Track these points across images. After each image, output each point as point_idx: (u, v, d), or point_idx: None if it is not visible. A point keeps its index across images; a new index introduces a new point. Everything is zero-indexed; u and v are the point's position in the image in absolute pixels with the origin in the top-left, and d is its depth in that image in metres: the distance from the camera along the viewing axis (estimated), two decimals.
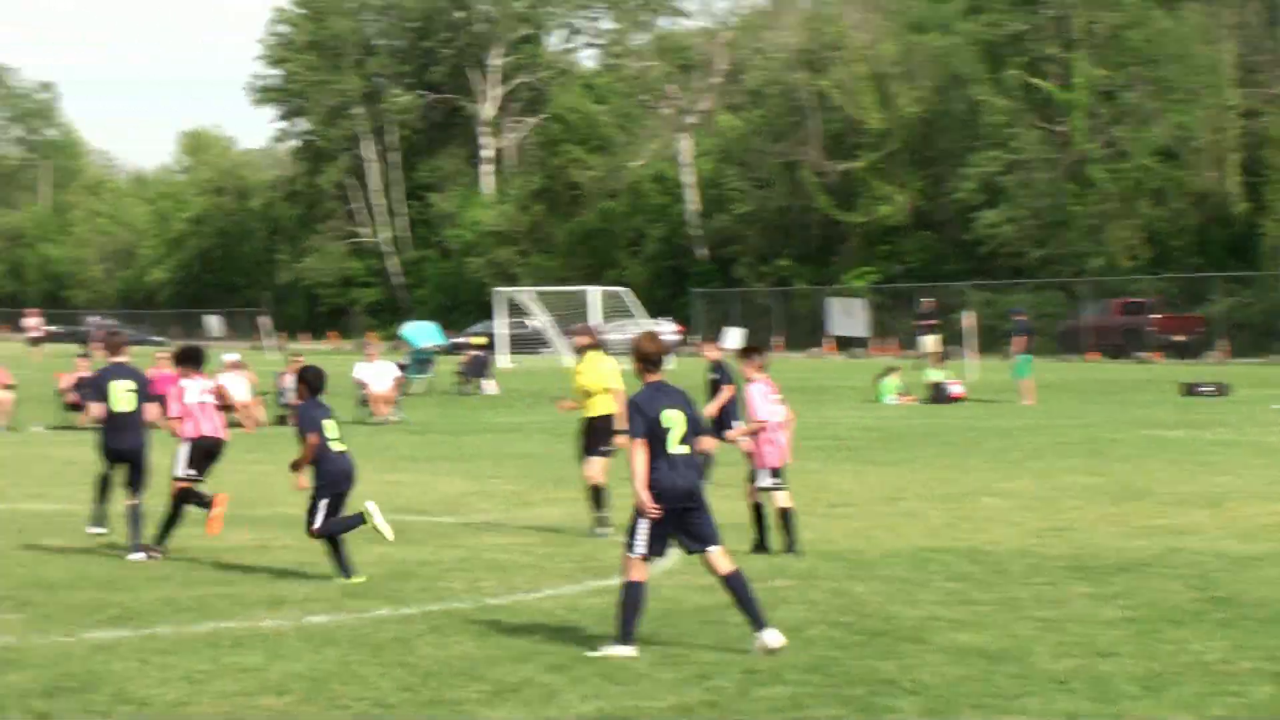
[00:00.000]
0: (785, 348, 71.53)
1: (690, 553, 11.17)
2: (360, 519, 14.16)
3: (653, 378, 10.94)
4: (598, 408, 16.70)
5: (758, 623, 10.86)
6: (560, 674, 10.43)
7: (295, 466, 14.22)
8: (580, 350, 17.40)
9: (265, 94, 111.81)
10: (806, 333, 72.95)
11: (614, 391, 16.51)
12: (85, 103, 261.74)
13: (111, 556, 15.51)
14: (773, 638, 10.82)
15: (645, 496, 10.65)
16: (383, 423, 33.78)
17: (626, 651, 10.77)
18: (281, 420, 33.61)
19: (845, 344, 70.20)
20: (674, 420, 10.77)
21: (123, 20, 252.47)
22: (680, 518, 10.81)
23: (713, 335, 21.31)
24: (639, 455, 10.66)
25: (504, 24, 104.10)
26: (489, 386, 44.71)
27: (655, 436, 10.70)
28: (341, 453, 14.17)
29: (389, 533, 14.38)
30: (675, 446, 10.76)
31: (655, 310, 71.23)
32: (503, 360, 57.51)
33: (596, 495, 16.77)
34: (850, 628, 11.89)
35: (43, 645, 11.35)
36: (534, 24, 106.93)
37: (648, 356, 10.93)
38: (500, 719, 9.49)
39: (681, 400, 10.92)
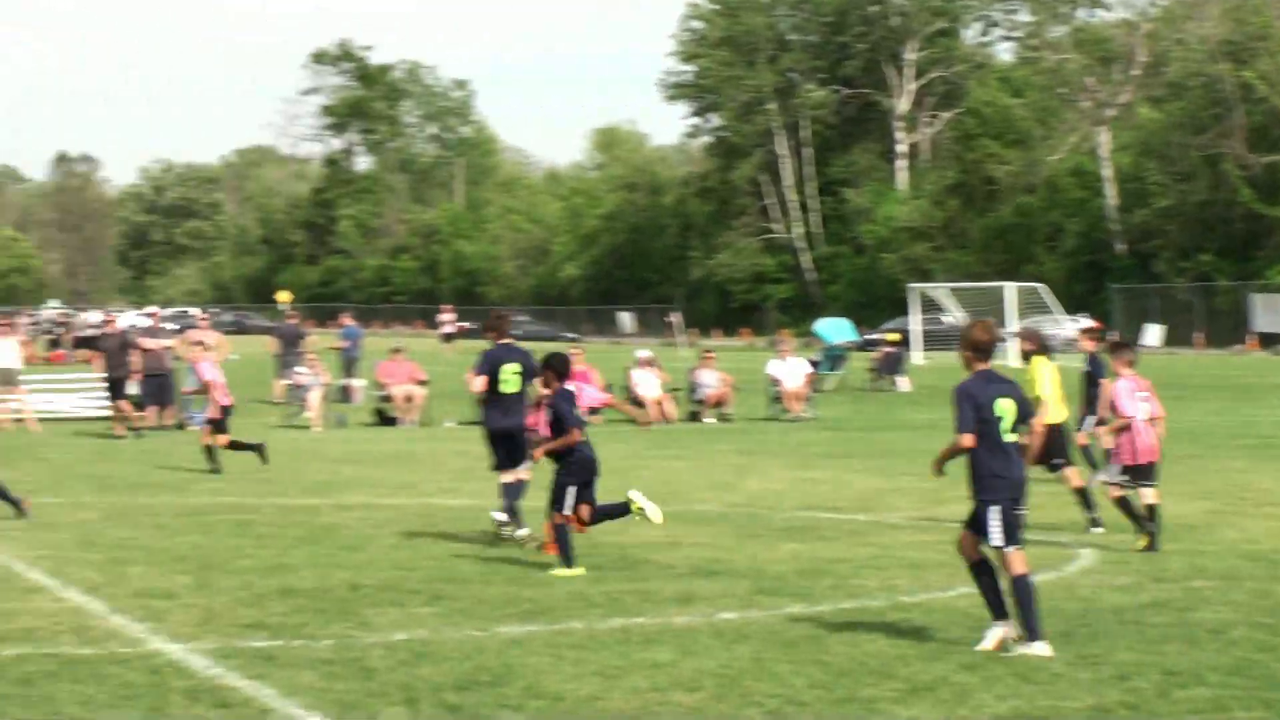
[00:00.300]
0: (1206, 344, 69.19)
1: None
2: (626, 508, 14.49)
3: (982, 366, 10.85)
4: (1048, 415, 16.17)
5: (1032, 633, 10.66)
6: (974, 673, 10.25)
7: (547, 452, 14.55)
8: (1025, 355, 16.90)
9: (678, 90, 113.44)
10: (1228, 329, 70.75)
11: (1043, 400, 15.92)
12: (499, 100, 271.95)
13: (516, 552, 15.69)
14: (1043, 649, 10.60)
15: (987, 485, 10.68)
16: (795, 420, 33.93)
17: (1041, 649, 10.59)
18: (694, 417, 34.24)
19: (1269, 341, 67.57)
20: (1005, 409, 10.70)
21: (537, 18, 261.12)
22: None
23: (1096, 328, 20.69)
24: (966, 444, 10.66)
25: (919, 18, 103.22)
26: (903, 383, 44.43)
27: (987, 425, 10.64)
28: (586, 441, 14.50)
29: (657, 516, 14.63)
30: (1007, 435, 10.72)
31: (1072, 307, 69.49)
32: (916, 357, 57.06)
33: (1083, 498, 16.42)
34: (1274, 630, 11.40)
35: (456, 639, 11.64)
36: (950, 17, 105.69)
37: (978, 345, 10.89)
38: (913, 717, 9.38)
39: (1011, 389, 10.84)
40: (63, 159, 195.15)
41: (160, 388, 31.95)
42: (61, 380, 38.44)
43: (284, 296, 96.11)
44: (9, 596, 13.30)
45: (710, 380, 34.75)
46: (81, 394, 35.97)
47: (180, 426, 32.05)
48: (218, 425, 23.82)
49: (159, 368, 31.83)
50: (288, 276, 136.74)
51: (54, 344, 70.07)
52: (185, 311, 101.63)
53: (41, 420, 32.66)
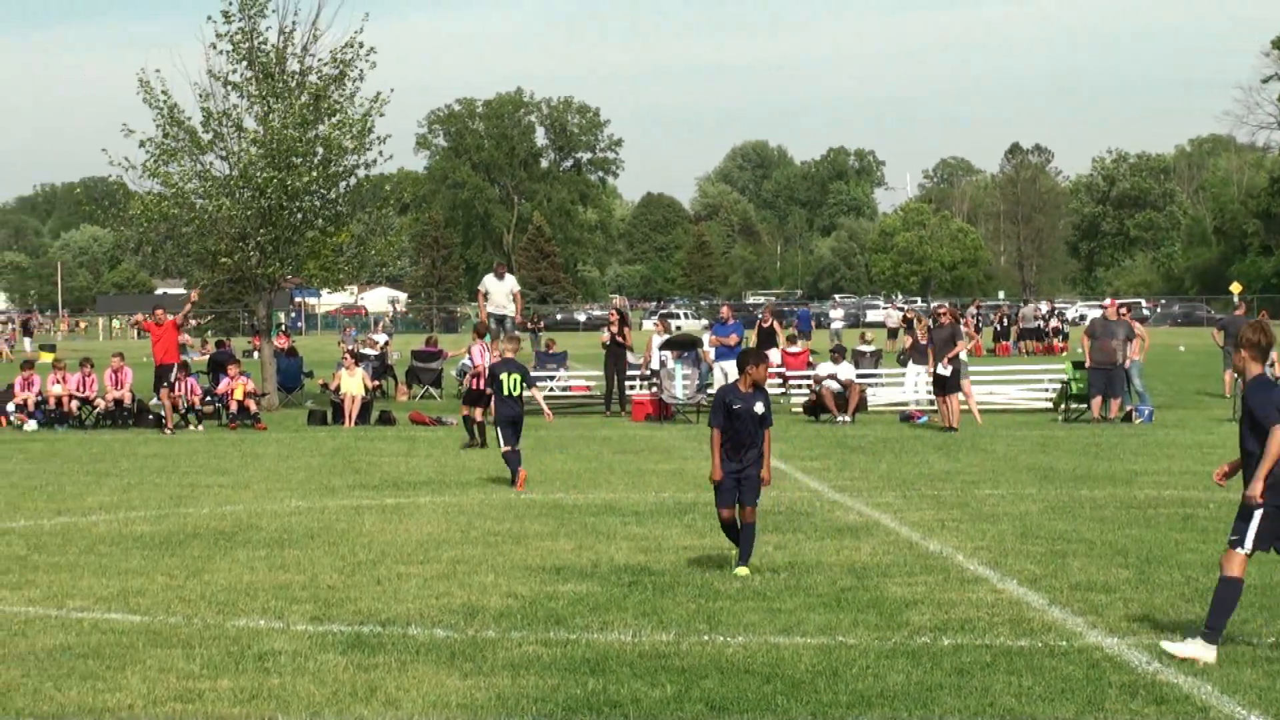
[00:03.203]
0: None
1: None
2: None
3: (1258, 369, 11.98)
4: None
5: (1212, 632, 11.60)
6: None
7: None
8: None
9: None
10: None
11: None
12: None
13: None
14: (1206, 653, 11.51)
15: (1258, 489, 11.68)
16: None
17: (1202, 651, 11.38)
18: None
19: None
20: None
21: None
22: None
23: None
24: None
25: None
26: None
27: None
28: None
29: None
30: None
31: None
32: None
33: None
34: None
35: None
36: None
37: (1256, 345, 11.98)
38: None
39: None
40: (1015, 150, 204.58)
41: (1110, 380, 33.82)
42: (1004, 371, 43.52)
43: (1236, 288, 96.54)
44: (949, 587, 14.76)
45: None
46: (1022, 385, 39.92)
47: (1126, 419, 34.25)
48: None
49: (1106, 361, 33.83)
50: (1241, 268, 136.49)
51: (1001, 335, 75.28)
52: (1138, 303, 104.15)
53: (984, 412, 35.14)
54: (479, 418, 30.02)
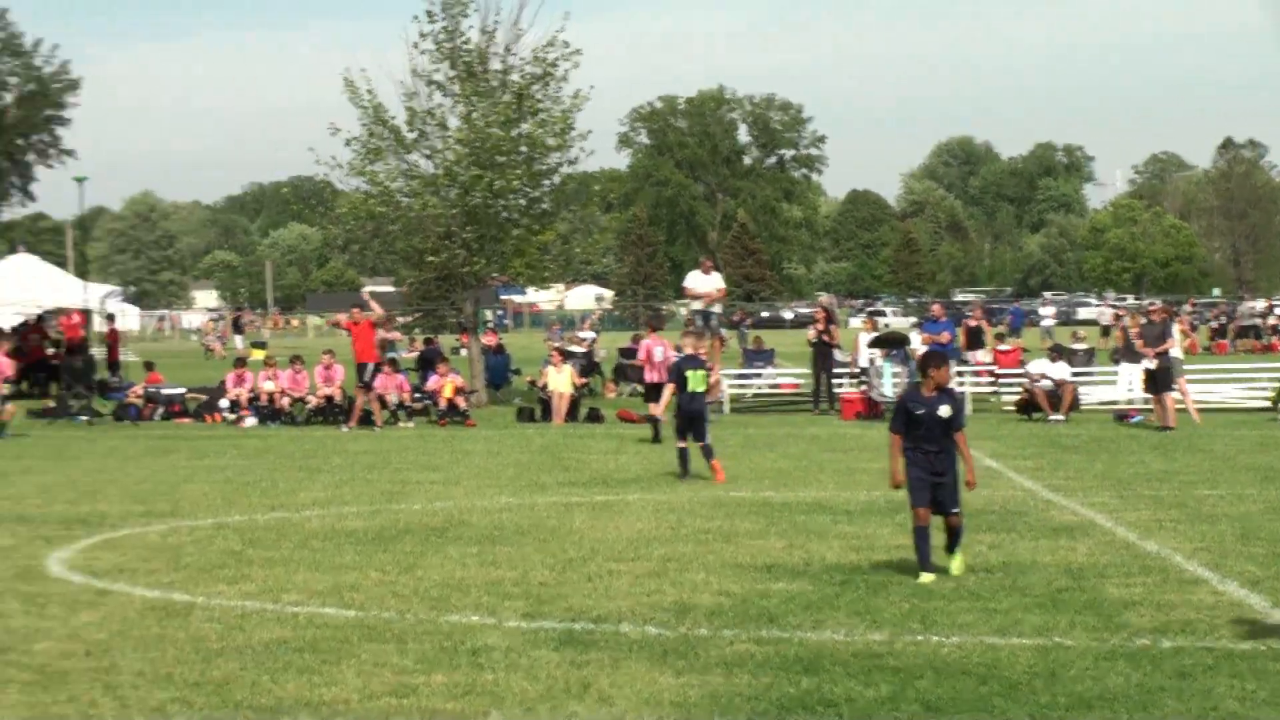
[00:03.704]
0: None
1: None
2: None
3: None
4: None
5: None
6: None
7: None
8: None
9: None
10: None
11: None
12: None
13: None
14: None
15: None
16: None
17: None
18: None
19: None
20: None
21: None
22: None
23: None
24: None
25: None
26: None
27: None
28: None
29: None
30: None
31: None
32: None
33: None
34: None
35: None
36: None
37: None
38: None
39: None
40: (1228, 145, 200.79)
41: None
42: (1222, 370, 42.49)
43: None
44: (1168, 588, 14.54)
45: None
46: (1240, 384, 39.17)
47: None
48: None
49: None
50: None
51: (1218, 334, 73.94)
52: None
53: (1202, 411, 34.58)
54: (656, 413, 30.41)
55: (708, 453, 24.14)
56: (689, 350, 25.12)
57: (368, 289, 43.99)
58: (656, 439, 30.58)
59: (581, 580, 15.22)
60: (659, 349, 34.69)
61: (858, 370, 39.33)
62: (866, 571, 15.54)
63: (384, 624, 13.15)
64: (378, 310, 38.36)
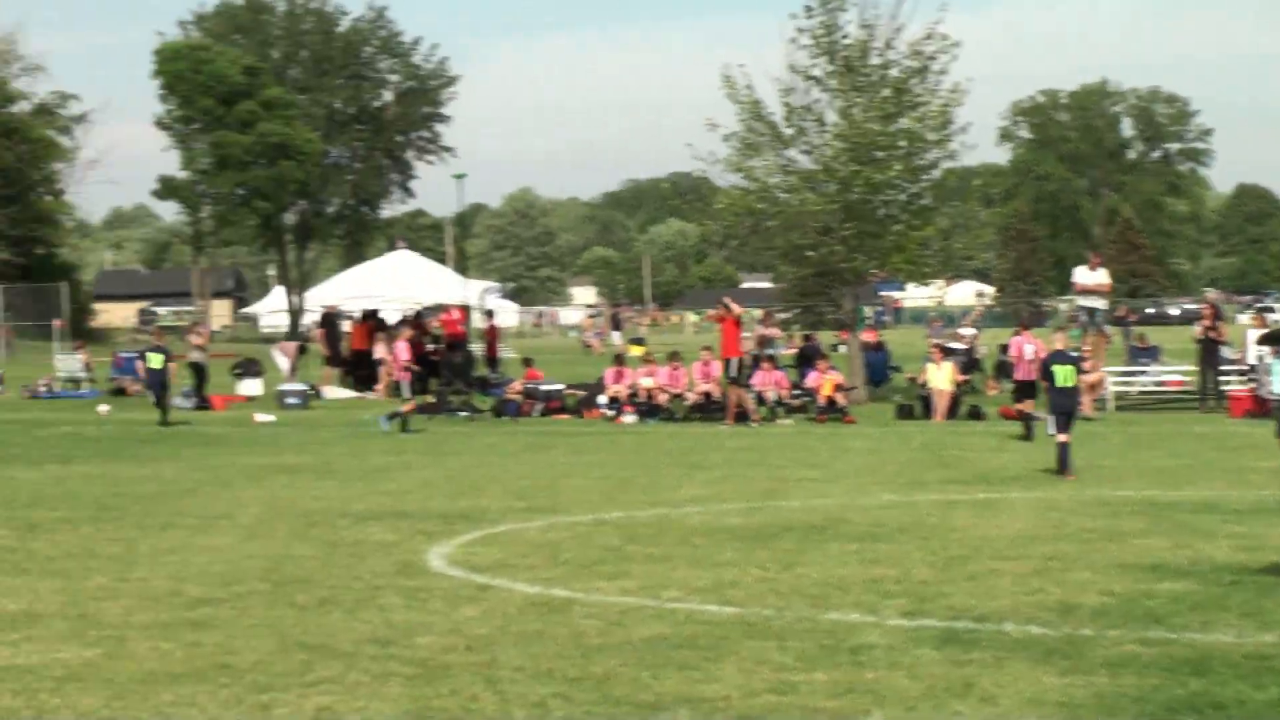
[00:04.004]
0: None
1: None
2: None
3: None
4: None
5: None
6: None
7: None
8: None
9: None
10: None
11: None
12: None
13: None
14: None
15: None
16: None
17: None
18: None
19: None
20: None
21: None
22: None
23: None
24: None
25: None
26: None
27: None
28: None
29: None
30: None
31: None
32: None
33: None
34: None
35: None
36: None
37: None
38: None
39: None
40: None
41: None
42: None
43: None
44: None
45: None
46: None
47: None
48: None
49: None
50: None
51: None
52: None
53: None
54: (1026, 408, 30.25)
55: (1068, 450, 24.14)
56: (1059, 345, 25.12)
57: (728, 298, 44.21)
58: (1028, 436, 30.33)
59: (963, 579, 15.04)
60: (1029, 346, 34.52)
61: (1246, 367, 38.33)
62: (1256, 572, 15.07)
63: (764, 621, 13.18)
64: (736, 309, 38.52)
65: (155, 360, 39.75)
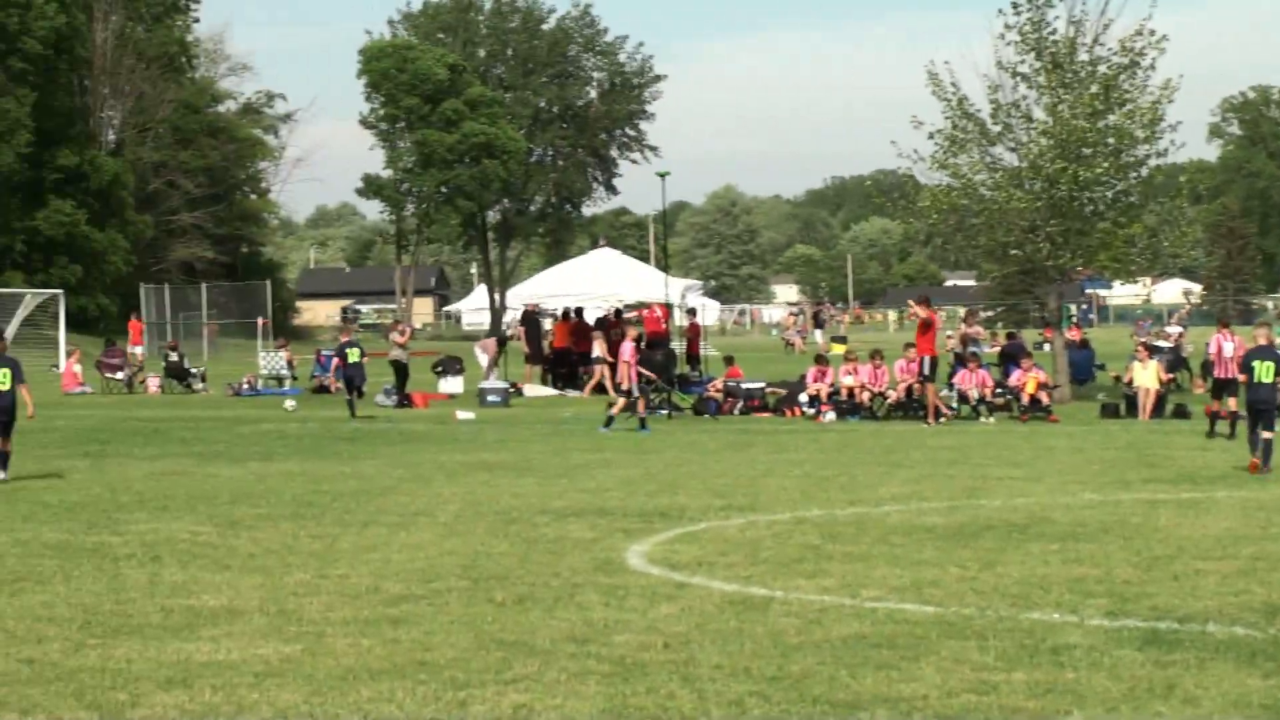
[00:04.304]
0: None
1: None
2: None
3: None
4: None
5: None
6: None
7: None
8: None
9: None
10: None
11: None
12: None
13: None
14: None
15: None
16: None
17: None
18: None
19: None
20: None
21: None
22: None
23: None
24: None
25: None
26: None
27: None
28: None
29: None
30: None
31: None
32: None
33: None
34: None
35: None
36: None
37: None
38: None
39: None
40: None
41: None
42: None
43: None
44: None
45: None
46: None
47: None
48: None
49: None
50: None
51: None
52: None
53: None
54: (1220, 410, 30.05)
55: (1266, 446, 23.97)
56: (1262, 341, 24.97)
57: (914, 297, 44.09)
58: (1226, 434, 30.08)
59: (1166, 579, 14.84)
60: (1229, 344, 34.28)
61: None
62: None
63: (964, 620, 13.10)
64: (922, 313, 38.14)
65: (352, 354, 40.74)
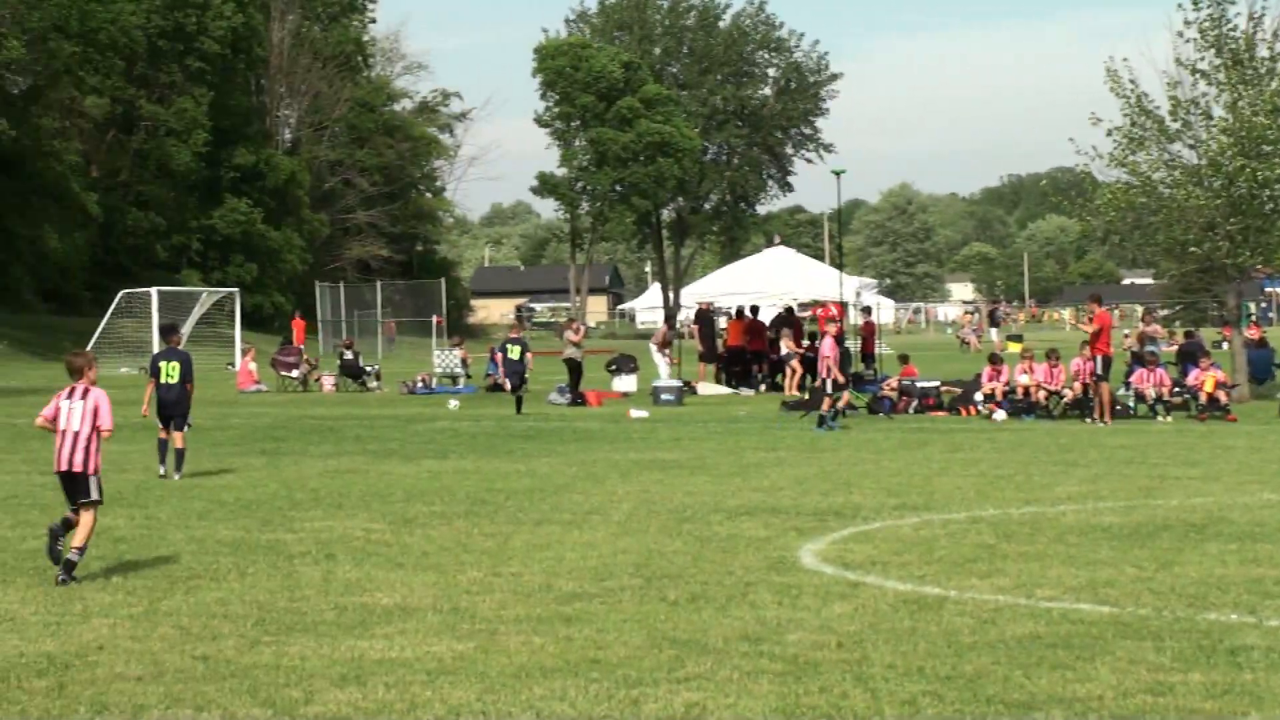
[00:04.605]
0: None
1: None
2: None
3: None
4: None
5: None
6: None
7: None
8: None
9: None
10: None
11: None
12: None
13: None
14: None
15: None
16: None
17: None
18: None
19: None
20: None
21: None
22: None
23: None
24: None
25: None
26: None
27: None
28: None
29: None
30: None
31: None
32: None
33: None
34: None
35: None
36: None
37: None
38: None
39: None
40: None
41: None
42: None
43: None
44: None
45: None
46: None
47: None
48: None
49: None
50: None
51: None
52: None
53: None
54: None
55: None
56: None
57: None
58: None
59: None
60: None
61: None
62: None
63: (1140, 621, 12.97)
64: (1089, 327, 37.54)
65: (513, 351, 41.69)
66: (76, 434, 15.62)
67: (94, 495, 15.62)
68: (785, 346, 48.35)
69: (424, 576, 15.52)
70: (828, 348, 35.92)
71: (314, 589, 14.89)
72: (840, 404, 35.35)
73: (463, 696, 10.81)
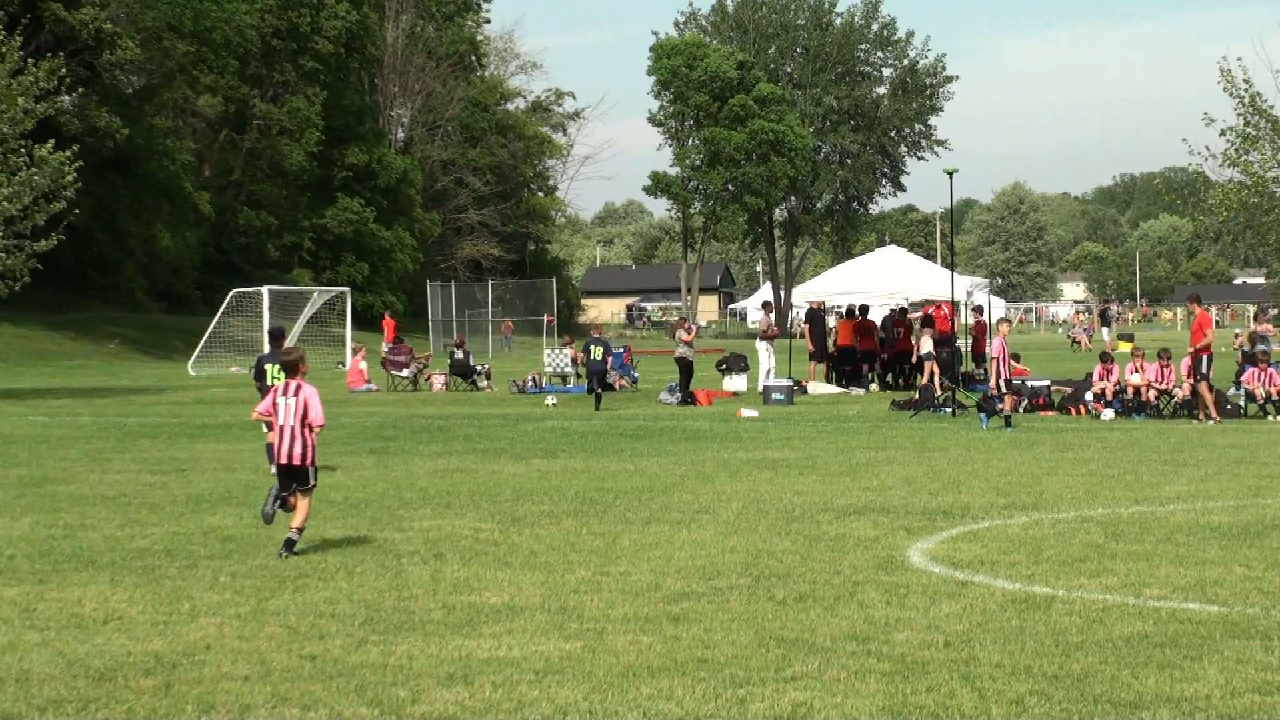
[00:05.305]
0: None
1: None
2: None
3: None
4: None
5: None
6: None
7: None
8: None
9: None
10: None
11: None
12: None
13: None
14: None
15: None
16: None
17: None
18: None
19: None
20: None
21: None
22: None
23: None
24: None
25: None
26: None
27: None
28: None
29: None
30: None
31: None
32: None
33: None
34: None
35: None
36: None
37: None
38: None
39: None
40: None
41: None
42: None
43: None
44: None
45: None
46: None
47: None
48: None
49: None
50: None
51: None
52: None
53: None
54: None
55: None
56: None
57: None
58: None
59: None
60: None
61: None
62: None
63: (1249, 620, 12.87)
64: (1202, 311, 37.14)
65: (596, 352, 43.02)
66: (293, 429, 17.19)
67: (311, 482, 17.34)
68: (925, 345, 47.90)
69: (532, 576, 15.57)
70: (996, 348, 35.64)
71: (422, 588, 14.96)
72: (1006, 405, 35.01)
73: (570, 696, 10.84)
